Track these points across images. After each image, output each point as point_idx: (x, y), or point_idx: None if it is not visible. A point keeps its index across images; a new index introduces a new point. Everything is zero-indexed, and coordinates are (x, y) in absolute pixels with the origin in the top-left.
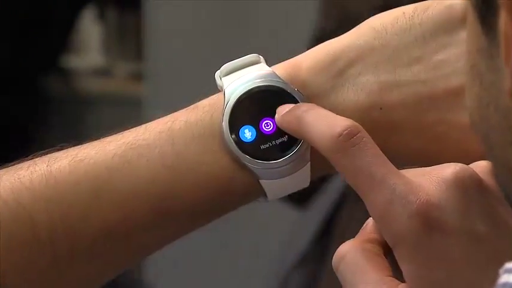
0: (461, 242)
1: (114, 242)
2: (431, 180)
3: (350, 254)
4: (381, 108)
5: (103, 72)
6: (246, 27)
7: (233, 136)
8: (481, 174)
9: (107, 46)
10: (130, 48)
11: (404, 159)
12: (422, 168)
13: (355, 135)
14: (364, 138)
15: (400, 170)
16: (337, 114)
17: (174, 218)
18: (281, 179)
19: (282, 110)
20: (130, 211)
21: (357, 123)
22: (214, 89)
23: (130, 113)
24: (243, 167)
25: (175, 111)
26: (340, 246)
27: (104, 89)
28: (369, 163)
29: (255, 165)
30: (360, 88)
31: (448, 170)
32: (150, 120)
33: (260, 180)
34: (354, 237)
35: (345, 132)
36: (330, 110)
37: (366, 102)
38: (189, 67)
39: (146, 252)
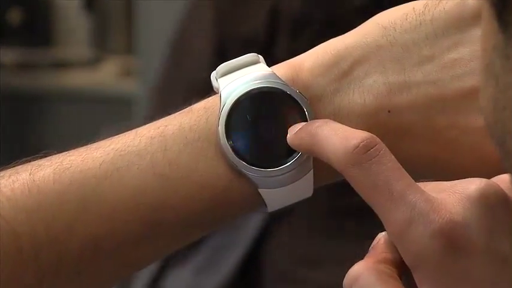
0: (486, 262)
1: (102, 255)
2: (454, 196)
3: (364, 276)
4: (389, 111)
5: (90, 66)
6: None
7: (230, 142)
8: (506, 190)
9: (95, 38)
10: (120, 41)
11: (413, 166)
12: (442, 182)
13: (372, 148)
14: (381, 151)
15: (418, 184)
16: (341, 118)
17: (166, 230)
18: (282, 188)
19: (294, 128)
20: (119, 223)
21: (374, 136)
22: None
23: (119, 112)
24: (240, 175)
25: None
26: (352, 267)
27: (91, 85)
28: (387, 177)
29: (254, 173)
30: (367, 90)
31: (472, 186)
32: (142, 120)
33: (259, 189)
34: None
35: (362, 144)
36: (333, 114)
37: (373, 105)
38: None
39: (136, 266)
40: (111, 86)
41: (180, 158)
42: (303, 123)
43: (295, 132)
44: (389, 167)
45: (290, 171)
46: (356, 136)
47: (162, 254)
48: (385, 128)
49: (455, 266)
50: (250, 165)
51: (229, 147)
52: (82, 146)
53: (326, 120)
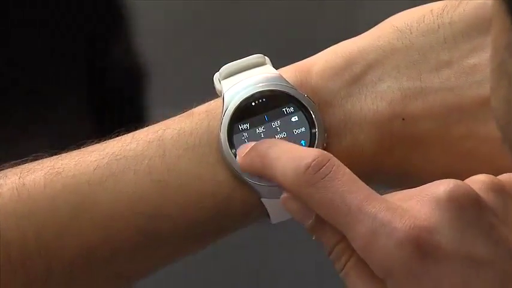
0: (459, 268)
1: (94, 266)
2: (422, 201)
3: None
4: (403, 119)
5: None
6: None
7: (233, 149)
8: (478, 191)
9: None
10: None
11: (427, 177)
12: (411, 189)
13: (324, 165)
14: (334, 167)
15: (385, 195)
16: (352, 125)
17: (163, 241)
18: None
19: (244, 150)
20: (113, 231)
21: (326, 152)
22: (212, 91)
23: None
24: (243, 183)
25: (165, 111)
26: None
27: None
28: (343, 192)
29: (257, 181)
30: (380, 96)
31: (440, 187)
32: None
33: (262, 199)
34: None
35: (313, 163)
36: (344, 121)
37: (386, 112)
38: (182, 59)
39: (130, 278)
40: None
41: (180, 164)
42: (252, 143)
43: (244, 154)
44: (344, 181)
45: None
46: (306, 155)
47: (159, 266)
48: (398, 137)
49: (426, 274)
50: None
51: (231, 153)
52: (75, 149)
53: (275, 140)
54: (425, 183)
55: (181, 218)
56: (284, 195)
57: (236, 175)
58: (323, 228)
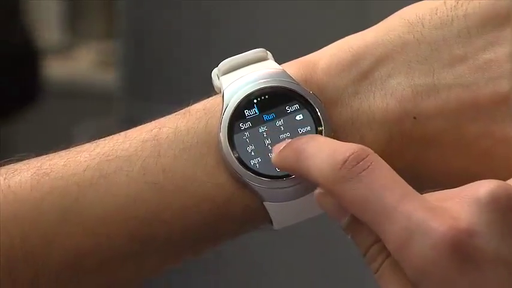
0: (501, 274)
1: (84, 273)
2: (461, 201)
3: None
4: (414, 118)
5: (62, 54)
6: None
7: (233, 149)
8: None
9: (68, 21)
10: (99, 25)
11: (441, 180)
12: (451, 189)
13: (362, 160)
14: (373, 162)
15: (424, 194)
16: (360, 124)
17: (157, 247)
18: (290, 201)
19: (279, 146)
20: (104, 237)
21: (364, 147)
22: (210, 86)
23: (97, 108)
24: (243, 185)
25: (157, 106)
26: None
27: (64, 76)
28: (379, 189)
29: (259, 183)
30: (390, 93)
31: (482, 188)
32: (124, 116)
33: (264, 203)
34: None
35: (351, 157)
36: (351, 119)
37: (396, 110)
38: (175, 50)
39: (122, 286)
40: (87, 77)
41: (176, 165)
42: (288, 141)
43: (279, 151)
44: (382, 176)
45: (300, 183)
46: (344, 149)
47: (152, 273)
48: (409, 137)
49: (462, 278)
50: (255, 175)
51: (232, 154)
52: (63, 149)
53: (314, 135)
54: (440, 186)
55: (177, 222)
56: (318, 190)
57: (236, 177)
58: (359, 227)
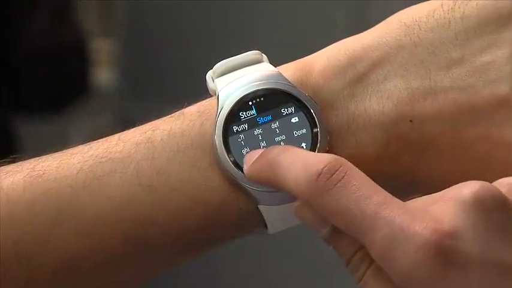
0: (485, 276)
1: (78, 276)
2: (445, 204)
3: None
4: (411, 121)
5: None
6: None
7: (228, 152)
8: (506, 193)
9: None
10: (95, 25)
11: (438, 184)
12: (435, 193)
13: (336, 171)
14: (347, 171)
15: (407, 201)
16: (356, 127)
17: (152, 250)
18: (285, 205)
19: (251, 157)
20: (98, 240)
21: (338, 157)
22: (205, 88)
23: (95, 106)
24: (238, 189)
25: (154, 105)
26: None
27: None
28: (358, 197)
29: (254, 186)
30: (386, 96)
31: (465, 190)
32: (121, 115)
33: (259, 206)
34: None
35: (325, 169)
36: (347, 123)
37: (392, 113)
38: (172, 49)
39: None
40: None
41: (170, 168)
42: (259, 151)
43: (252, 162)
44: (358, 186)
45: None
46: (317, 161)
47: (146, 277)
48: (406, 140)
49: (447, 282)
50: None
51: (227, 157)
52: (56, 151)
53: (286, 146)
54: (437, 191)
55: (171, 225)
56: (297, 203)
57: (231, 180)
58: (340, 237)
